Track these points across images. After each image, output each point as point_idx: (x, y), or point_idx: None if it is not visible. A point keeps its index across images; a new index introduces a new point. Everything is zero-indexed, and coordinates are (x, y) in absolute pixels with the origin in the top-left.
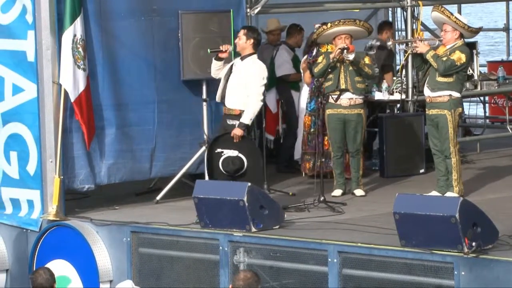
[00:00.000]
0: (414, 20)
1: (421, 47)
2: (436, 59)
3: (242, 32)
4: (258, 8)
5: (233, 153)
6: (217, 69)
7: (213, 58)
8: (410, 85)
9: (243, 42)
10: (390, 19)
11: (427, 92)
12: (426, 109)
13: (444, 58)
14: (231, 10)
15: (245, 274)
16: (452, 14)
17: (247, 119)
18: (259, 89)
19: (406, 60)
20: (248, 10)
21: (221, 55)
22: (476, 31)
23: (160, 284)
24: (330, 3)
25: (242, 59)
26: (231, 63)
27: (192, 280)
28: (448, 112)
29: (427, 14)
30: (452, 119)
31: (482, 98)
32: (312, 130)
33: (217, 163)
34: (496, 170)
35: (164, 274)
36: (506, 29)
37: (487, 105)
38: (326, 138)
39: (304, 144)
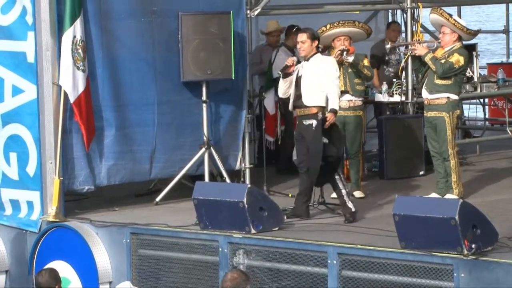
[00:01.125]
0: (414, 22)
1: (420, 50)
2: (435, 61)
3: (304, 36)
4: (258, 10)
5: (325, 140)
6: (287, 87)
7: (280, 79)
8: (410, 87)
9: (309, 45)
10: (390, 21)
11: (425, 94)
12: (424, 111)
13: (443, 61)
14: (231, 12)
15: (232, 274)
16: (450, 16)
17: (335, 104)
18: (335, 77)
19: (406, 62)
20: (248, 11)
21: (289, 70)
22: (475, 33)
23: (160, 285)
24: (330, 5)
25: (307, 60)
26: (296, 70)
27: (192, 281)
28: (446, 114)
29: (427, 16)
30: (450, 121)
31: (481, 100)
32: None
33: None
34: (495, 172)
35: (164, 276)
36: (505, 31)
37: (486, 107)
38: None
39: None
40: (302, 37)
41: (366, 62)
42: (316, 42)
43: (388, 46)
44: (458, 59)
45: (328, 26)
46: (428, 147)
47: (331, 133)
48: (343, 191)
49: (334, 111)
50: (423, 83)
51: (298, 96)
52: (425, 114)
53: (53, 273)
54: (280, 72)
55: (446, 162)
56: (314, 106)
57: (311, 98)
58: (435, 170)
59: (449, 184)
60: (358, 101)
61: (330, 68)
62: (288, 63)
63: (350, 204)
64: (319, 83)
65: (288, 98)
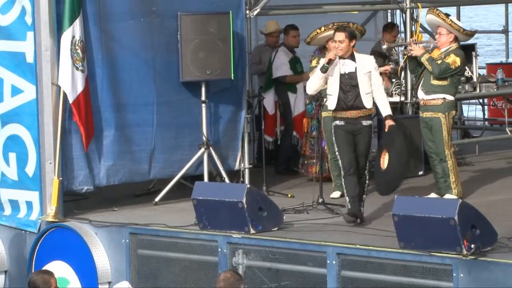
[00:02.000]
0: (413, 22)
1: (416, 50)
2: (431, 62)
3: (342, 35)
4: (257, 10)
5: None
6: (321, 83)
7: (319, 70)
8: (409, 87)
9: (347, 45)
10: (389, 21)
11: (421, 95)
12: (420, 112)
13: (439, 61)
14: (230, 12)
15: (225, 274)
16: (447, 16)
17: (389, 109)
18: (381, 79)
19: (405, 62)
20: (247, 11)
21: (331, 64)
22: (471, 34)
23: (159, 285)
24: (329, 5)
25: (351, 58)
26: (334, 69)
27: (191, 281)
28: (442, 115)
29: (425, 15)
30: (446, 122)
31: (481, 100)
32: (314, 133)
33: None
34: (495, 172)
35: (163, 276)
36: (505, 31)
37: (486, 107)
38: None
39: (306, 147)
40: (340, 36)
41: None
42: (354, 41)
43: (384, 46)
44: (454, 60)
45: (322, 29)
46: (425, 147)
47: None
48: (365, 196)
49: (391, 117)
50: (419, 84)
51: (353, 95)
52: (420, 115)
53: (44, 279)
54: (327, 65)
55: (443, 163)
56: (370, 108)
57: (369, 100)
58: (433, 171)
59: (448, 184)
60: None
61: (376, 70)
62: (332, 57)
63: (363, 209)
64: (369, 84)
65: (284, 99)
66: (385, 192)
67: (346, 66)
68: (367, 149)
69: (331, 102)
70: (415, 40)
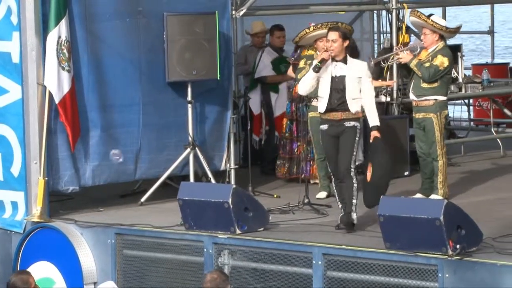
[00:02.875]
0: (399, 23)
1: (404, 57)
2: (420, 67)
3: (335, 35)
4: (244, 10)
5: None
6: (313, 83)
7: (311, 72)
8: (395, 88)
9: (340, 45)
10: (375, 21)
11: (412, 97)
12: (413, 113)
13: (427, 64)
14: (217, 12)
15: (211, 275)
16: (428, 17)
17: (377, 120)
18: (371, 87)
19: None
20: (234, 12)
21: (324, 65)
22: (455, 31)
23: (145, 286)
24: (315, 5)
25: (343, 61)
26: (328, 69)
27: (177, 282)
28: (434, 115)
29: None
30: (439, 122)
31: (466, 101)
32: (287, 134)
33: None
34: (480, 173)
35: (149, 276)
36: (490, 32)
37: (471, 107)
38: (299, 143)
39: (280, 147)
40: (334, 35)
41: None
42: (347, 42)
43: (372, 63)
44: (442, 61)
45: (311, 28)
46: (416, 148)
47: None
48: (355, 201)
49: (377, 128)
50: (410, 87)
51: (340, 99)
52: (413, 115)
53: (23, 280)
54: (319, 64)
55: (434, 162)
56: (357, 112)
57: (356, 106)
58: (420, 171)
59: (434, 184)
60: None
61: (368, 77)
62: (326, 57)
63: (354, 216)
64: (358, 90)
65: (266, 99)
66: (371, 204)
67: (338, 69)
68: (348, 147)
69: (321, 105)
70: (401, 47)
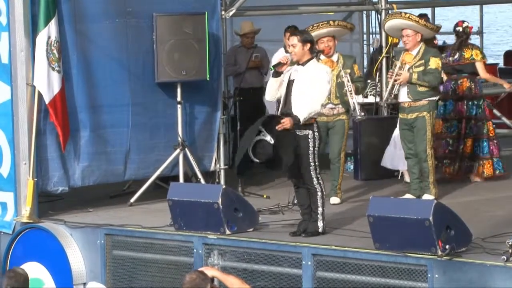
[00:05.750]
0: None
1: (403, 78)
2: (423, 78)
3: (295, 39)
4: (233, 11)
5: (270, 140)
6: (277, 88)
7: (271, 77)
8: (384, 89)
9: (300, 49)
10: (364, 22)
11: (405, 100)
12: (402, 113)
13: (421, 69)
14: (206, 13)
15: (190, 276)
16: (410, 15)
17: (302, 114)
18: (323, 91)
19: (380, 63)
20: (223, 12)
21: (281, 68)
22: (437, 28)
23: (134, 286)
24: (304, 6)
25: (303, 64)
26: (288, 73)
27: (166, 282)
28: (427, 114)
29: None
30: (431, 121)
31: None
32: (453, 134)
33: (250, 141)
34: None
35: (138, 277)
36: (479, 32)
37: None
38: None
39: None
40: (293, 40)
41: (357, 70)
42: (309, 45)
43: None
44: (437, 63)
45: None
46: (403, 149)
47: (281, 137)
48: (320, 209)
49: (295, 119)
50: (402, 91)
51: (287, 102)
52: (402, 116)
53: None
54: (272, 68)
55: (423, 163)
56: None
57: (302, 111)
58: (409, 172)
59: (425, 184)
60: (341, 109)
61: (323, 80)
62: (282, 60)
63: (320, 224)
64: (309, 94)
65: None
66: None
67: (294, 73)
68: (304, 159)
69: (280, 108)
70: (392, 72)
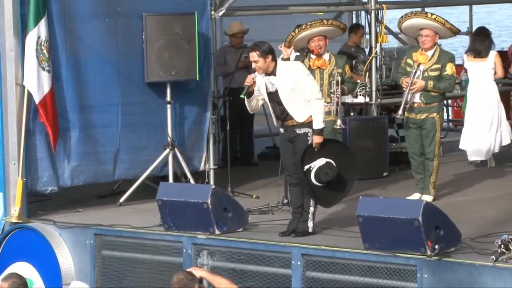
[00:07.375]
0: (378, 24)
1: (419, 86)
2: (438, 86)
3: (255, 55)
4: (223, 11)
5: (321, 161)
6: (254, 104)
7: (245, 99)
8: (374, 88)
9: (263, 63)
10: (354, 22)
11: (417, 100)
12: (410, 113)
13: (436, 73)
14: (196, 13)
15: (177, 276)
16: (437, 16)
17: (319, 123)
18: (312, 85)
19: (370, 63)
20: (213, 12)
21: (251, 89)
22: (457, 30)
23: (123, 286)
24: (294, 6)
25: (273, 74)
26: (263, 88)
27: (155, 282)
28: (437, 115)
29: (390, 17)
30: (440, 122)
31: (445, 101)
32: None
33: (311, 180)
34: (458, 174)
35: (127, 277)
36: (469, 33)
37: (450, 108)
38: None
39: None
40: (253, 56)
41: (348, 71)
42: (270, 56)
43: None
44: (453, 69)
45: (296, 31)
46: (407, 148)
47: (326, 150)
48: (312, 209)
49: (318, 132)
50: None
51: (283, 112)
52: (410, 116)
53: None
54: (243, 96)
55: (430, 162)
56: (306, 119)
57: (302, 113)
58: (413, 171)
59: (427, 184)
60: (331, 107)
61: (303, 75)
62: (248, 82)
63: (310, 224)
64: (299, 95)
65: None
66: (327, 205)
67: (270, 84)
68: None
69: (273, 120)
70: (406, 83)
